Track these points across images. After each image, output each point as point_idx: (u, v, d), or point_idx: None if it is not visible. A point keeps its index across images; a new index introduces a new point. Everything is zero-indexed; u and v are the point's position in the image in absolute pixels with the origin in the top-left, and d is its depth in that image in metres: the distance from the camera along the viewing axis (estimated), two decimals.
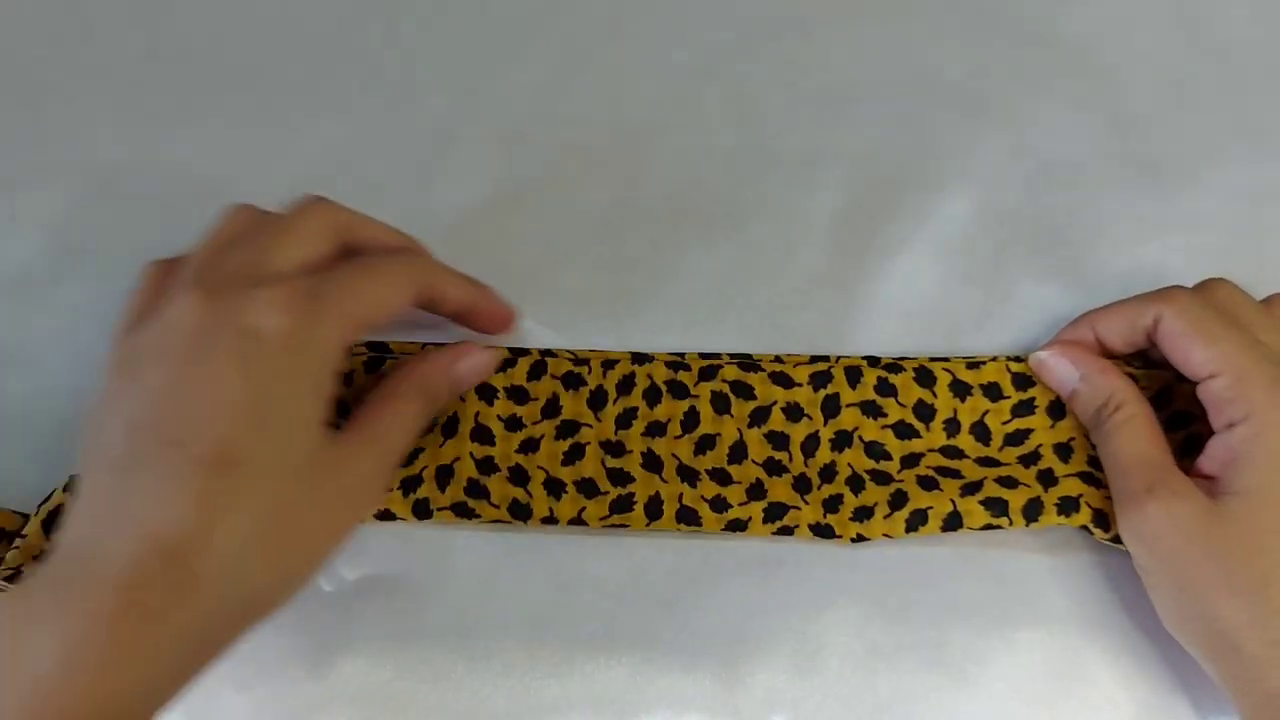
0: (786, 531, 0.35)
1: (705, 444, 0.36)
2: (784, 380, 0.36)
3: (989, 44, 0.44)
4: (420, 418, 0.33)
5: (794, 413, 0.36)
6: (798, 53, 0.44)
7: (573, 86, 0.43)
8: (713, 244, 0.40)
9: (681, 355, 0.37)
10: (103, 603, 0.25)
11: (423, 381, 0.33)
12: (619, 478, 0.35)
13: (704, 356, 0.37)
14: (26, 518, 0.33)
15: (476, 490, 0.34)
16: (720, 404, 0.36)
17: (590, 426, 0.36)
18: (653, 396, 0.36)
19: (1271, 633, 0.29)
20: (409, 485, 0.34)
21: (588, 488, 0.35)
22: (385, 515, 0.34)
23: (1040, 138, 0.42)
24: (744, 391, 0.36)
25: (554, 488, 0.35)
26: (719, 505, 0.35)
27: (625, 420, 0.36)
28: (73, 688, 0.24)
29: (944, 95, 0.43)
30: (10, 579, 0.32)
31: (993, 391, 0.36)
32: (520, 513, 0.34)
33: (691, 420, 0.36)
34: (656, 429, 0.36)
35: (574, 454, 0.35)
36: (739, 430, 0.36)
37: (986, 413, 0.36)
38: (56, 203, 0.41)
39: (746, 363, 0.37)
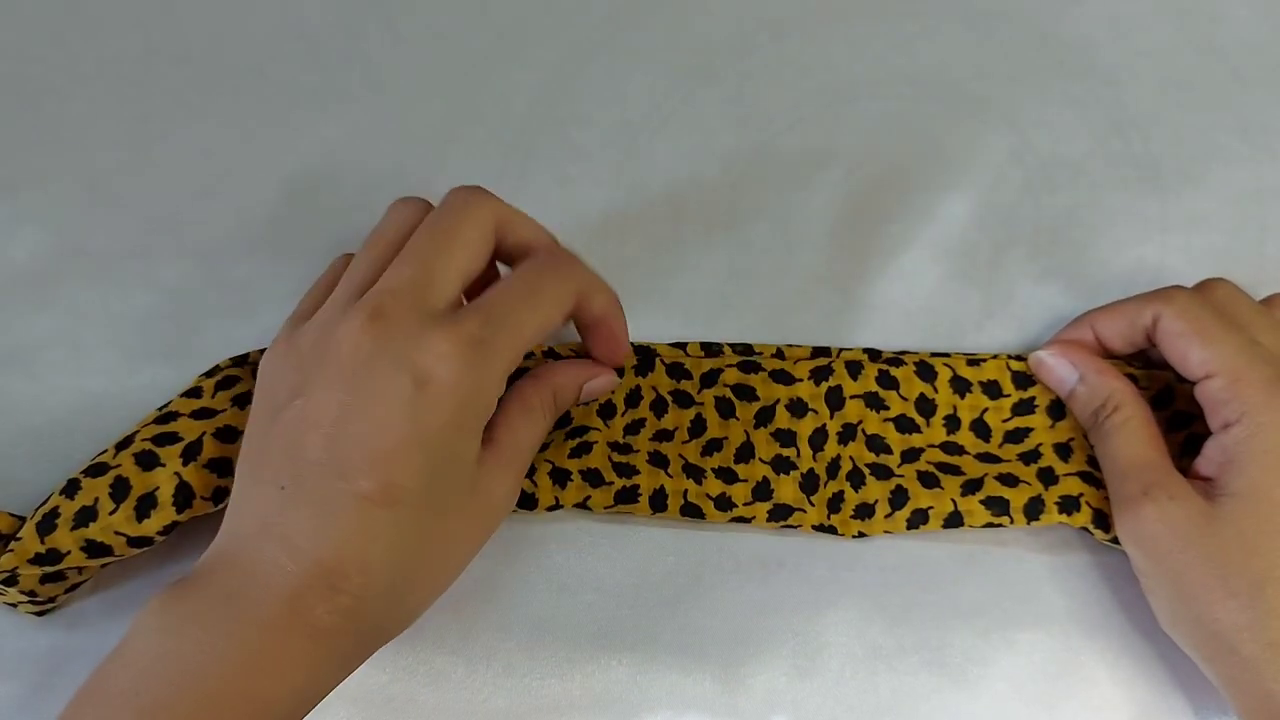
0: (790, 528, 0.35)
1: (713, 446, 0.36)
2: (785, 378, 0.36)
3: (989, 44, 0.44)
4: (549, 429, 0.33)
5: (798, 408, 0.36)
6: (798, 53, 0.44)
7: (573, 86, 0.43)
8: (713, 244, 0.40)
9: (684, 346, 0.37)
10: (278, 617, 0.27)
11: (557, 394, 0.34)
12: (625, 470, 0.35)
13: (704, 347, 0.37)
14: (23, 520, 0.33)
15: None
16: (725, 408, 0.36)
17: (599, 430, 0.36)
18: (659, 407, 0.36)
19: (1269, 634, 0.29)
20: None
21: (593, 477, 0.35)
22: None
23: (1040, 138, 0.42)
24: (746, 394, 0.36)
25: (559, 476, 0.34)
26: (724, 504, 0.35)
27: (634, 428, 0.36)
28: (240, 690, 0.26)
29: (944, 95, 0.43)
30: (6, 582, 0.32)
31: (993, 389, 0.36)
32: (525, 502, 0.34)
33: (699, 427, 0.36)
34: (664, 435, 0.36)
35: (581, 450, 0.35)
36: (745, 432, 0.36)
37: (986, 410, 0.36)
38: (57, 203, 0.41)
39: (748, 362, 0.37)
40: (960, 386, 0.36)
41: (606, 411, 0.36)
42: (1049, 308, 0.39)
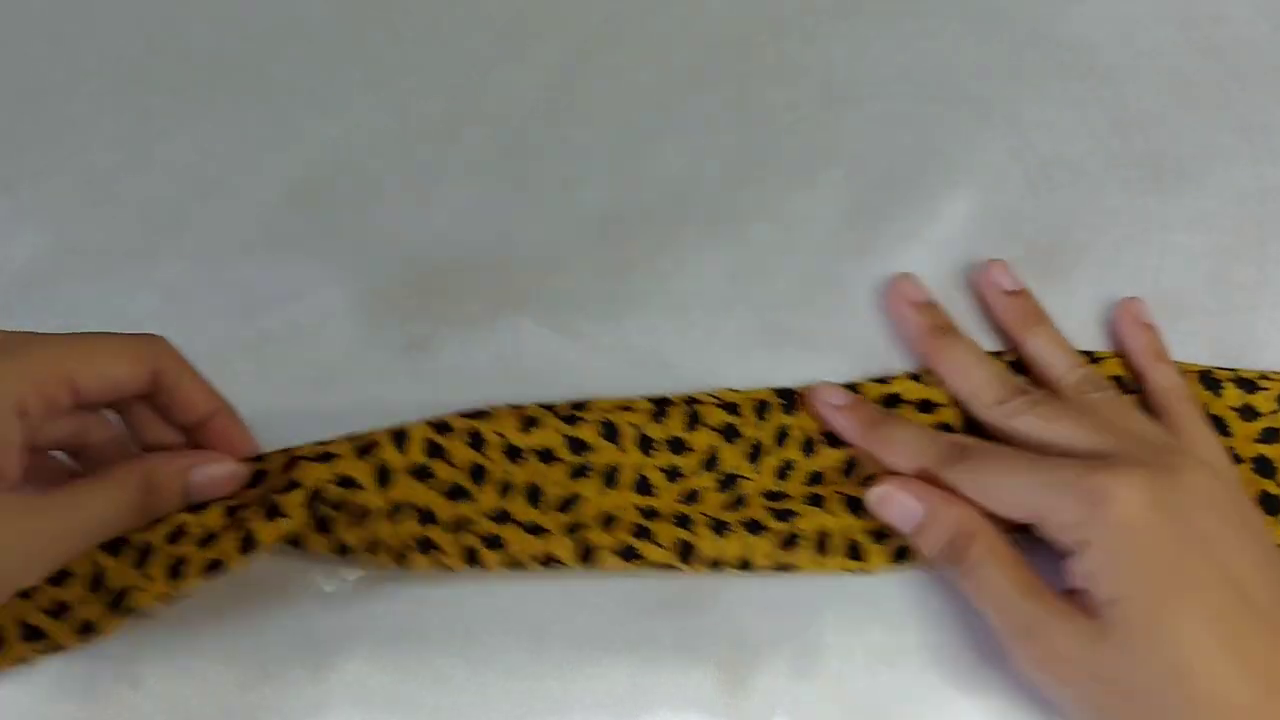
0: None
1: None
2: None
3: (989, 44, 0.44)
4: (132, 510, 0.30)
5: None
6: (798, 53, 0.44)
7: (573, 86, 0.43)
8: (713, 244, 0.40)
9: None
10: None
11: (148, 475, 0.31)
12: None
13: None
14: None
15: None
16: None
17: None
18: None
19: None
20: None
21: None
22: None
23: (1041, 138, 0.42)
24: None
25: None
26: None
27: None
28: None
29: (945, 95, 0.43)
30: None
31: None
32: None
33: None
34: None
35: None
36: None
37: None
38: (56, 202, 0.41)
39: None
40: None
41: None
42: (1048, 308, 0.39)
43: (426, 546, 0.33)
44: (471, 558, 0.33)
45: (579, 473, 0.35)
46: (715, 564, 0.34)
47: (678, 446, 0.35)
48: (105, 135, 0.42)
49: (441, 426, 0.34)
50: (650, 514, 0.34)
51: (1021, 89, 0.43)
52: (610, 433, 0.35)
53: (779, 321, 0.39)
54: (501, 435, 0.34)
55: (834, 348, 0.38)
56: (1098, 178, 0.41)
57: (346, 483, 0.33)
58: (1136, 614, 0.29)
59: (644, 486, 0.35)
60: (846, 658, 0.34)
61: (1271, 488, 0.35)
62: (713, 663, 0.34)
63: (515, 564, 0.33)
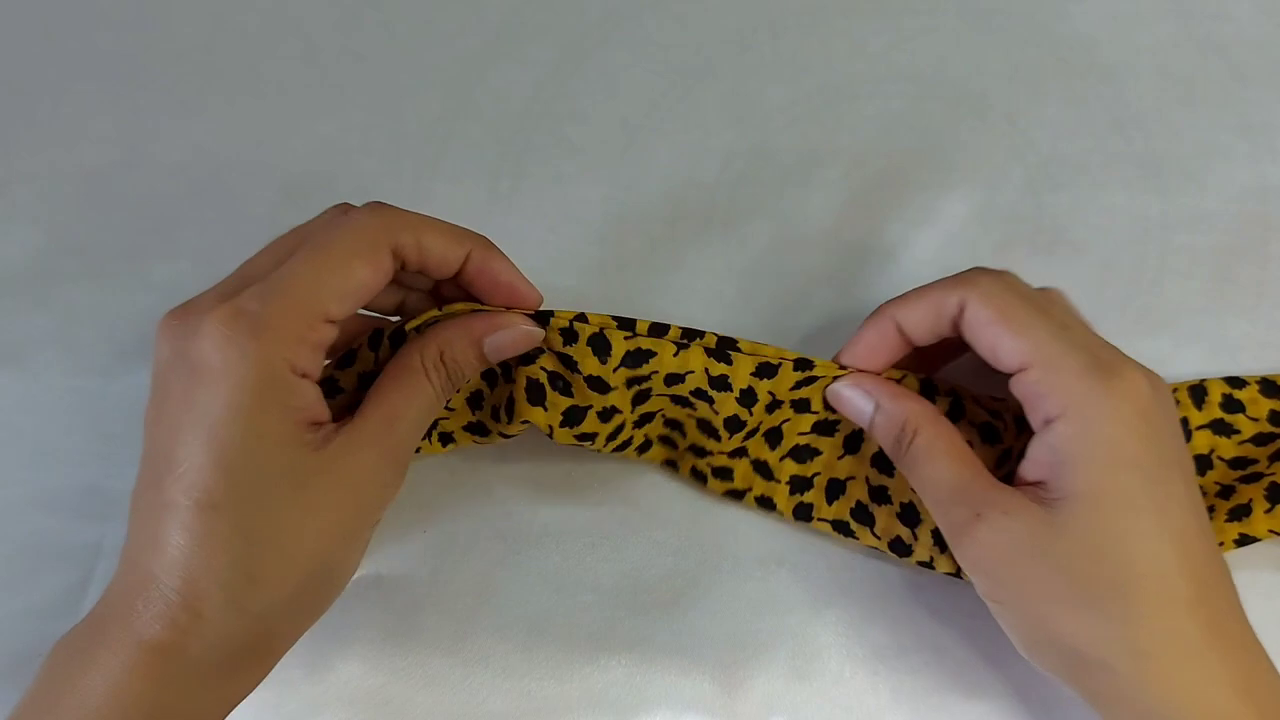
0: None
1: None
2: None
3: (989, 42, 0.43)
4: (439, 395, 0.30)
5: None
6: (796, 51, 0.43)
7: (569, 84, 0.43)
8: (712, 244, 0.40)
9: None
10: (116, 631, 0.26)
11: (446, 352, 0.30)
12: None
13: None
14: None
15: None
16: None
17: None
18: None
19: (1137, 643, 0.27)
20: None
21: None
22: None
23: (1041, 137, 0.42)
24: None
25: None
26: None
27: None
28: (83, 708, 0.25)
29: (944, 94, 0.43)
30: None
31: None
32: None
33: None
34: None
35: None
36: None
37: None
38: (51, 201, 0.41)
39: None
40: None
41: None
42: None
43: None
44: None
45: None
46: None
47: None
48: (101, 135, 0.42)
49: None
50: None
51: (1021, 88, 0.43)
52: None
53: (778, 320, 0.39)
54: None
55: (834, 347, 0.38)
56: (1098, 178, 0.41)
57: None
58: (1107, 511, 0.28)
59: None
60: (845, 658, 0.34)
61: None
62: (710, 663, 0.34)
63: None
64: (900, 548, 0.34)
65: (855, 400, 0.32)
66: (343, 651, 0.34)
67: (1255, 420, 0.36)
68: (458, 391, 0.33)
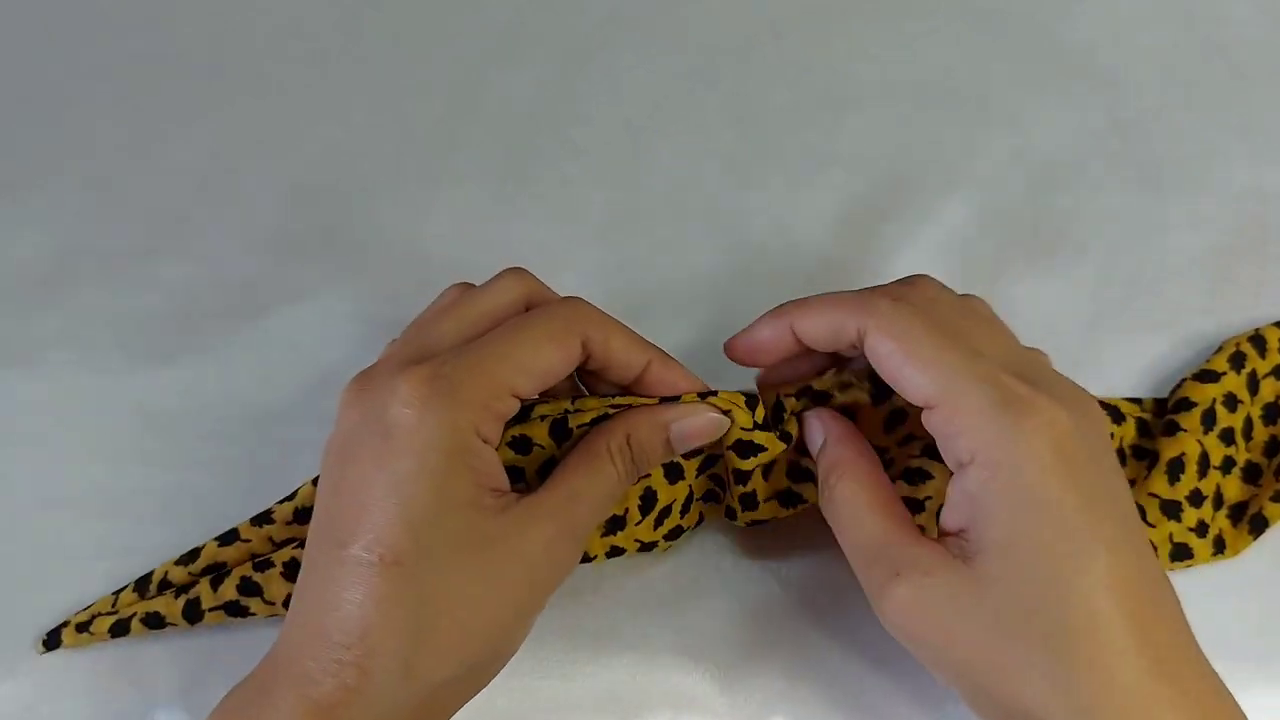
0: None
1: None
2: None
3: (989, 45, 0.44)
4: (623, 480, 0.30)
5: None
6: (798, 53, 0.44)
7: (573, 87, 0.43)
8: (712, 244, 0.40)
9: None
10: (286, 692, 0.26)
11: (633, 436, 0.30)
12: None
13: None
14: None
15: None
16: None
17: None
18: None
19: (1077, 700, 0.25)
20: None
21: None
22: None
23: (1040, 138, 0.42)
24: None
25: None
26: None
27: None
28: None
29: (944, 96, 0.43)
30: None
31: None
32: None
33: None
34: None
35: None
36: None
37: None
38: (59, 203, 0.41)
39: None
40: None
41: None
42: (1049, 308, 0.39)
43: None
44: None
45: None
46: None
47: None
48: (108, 138, 0.42)
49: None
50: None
51: (1021, 89, 0.43)
52: None
53: None
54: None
55: None
56: (1098, 178, 0.41)
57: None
58: (1030, 562, 0.26)
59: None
60: (845, 658, 0.34)
61: None
62: (712, 662, 0.34)
63: None
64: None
65: (811, 431, 0.32)
66: None
67: None
68: (640, 480, 0.32)
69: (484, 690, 0.34)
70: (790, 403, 0.32)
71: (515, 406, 0.29)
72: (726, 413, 0.31)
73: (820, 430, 0.31)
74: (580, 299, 0.31)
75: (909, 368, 0.28)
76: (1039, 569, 0.26)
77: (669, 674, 0.34)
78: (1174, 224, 0.41)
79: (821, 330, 0.30)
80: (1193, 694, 0.26)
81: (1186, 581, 0.35)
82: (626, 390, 0.31)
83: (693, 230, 0.41)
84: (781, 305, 0.31)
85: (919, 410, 0.28)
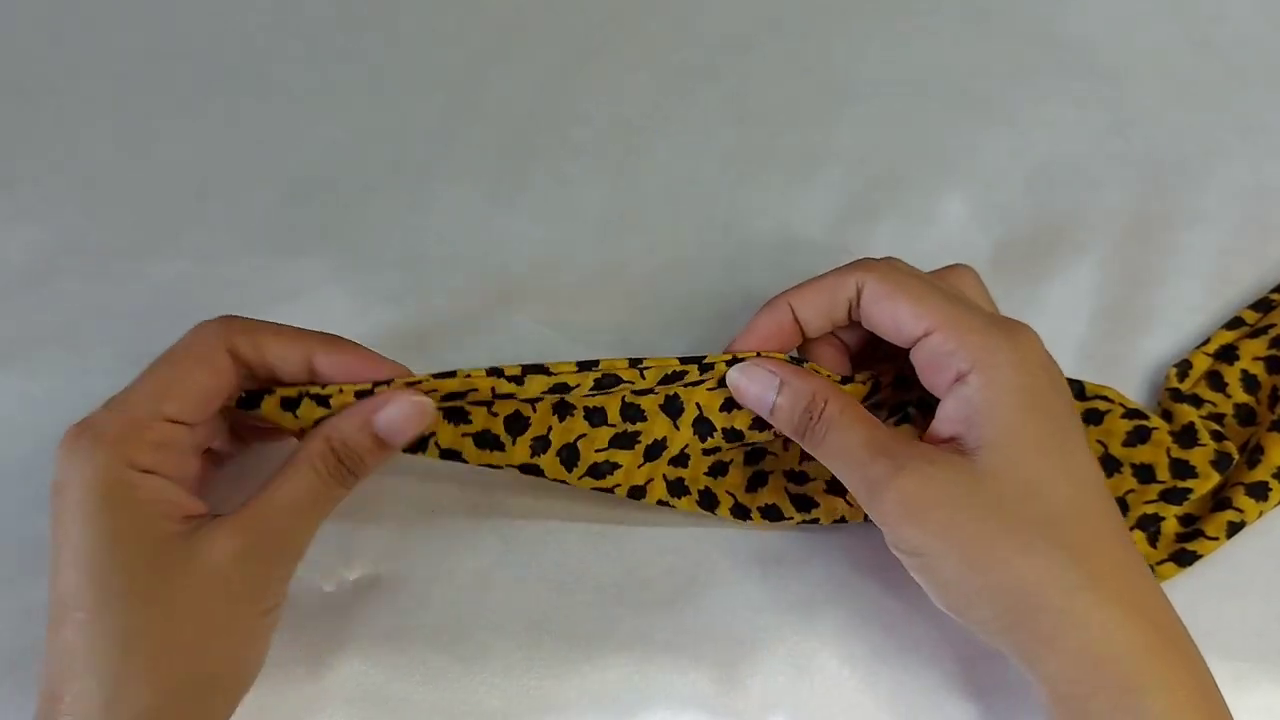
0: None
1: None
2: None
3: (989, 43, 0.44)
4: (329, 483, 0.30)
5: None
6: (797, 51, 0.44)
7: (573, 86, 0.43)
8: (712, 244, 0.40)
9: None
10: None
11: (332, 439, 0.30)
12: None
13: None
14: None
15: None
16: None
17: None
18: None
19: (1071, 578, 0.28)
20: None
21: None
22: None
23: (1041, 138, 0.42)
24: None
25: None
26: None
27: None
28: None
29: (944, 95, 0.43)
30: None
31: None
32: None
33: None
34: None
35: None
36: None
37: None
38: (54, 201, 0.41)
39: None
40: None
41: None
42: (1049, 308, 0.39)
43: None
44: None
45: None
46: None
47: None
48: (104, 135, 0.42)
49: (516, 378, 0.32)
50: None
51: (1021, 89, 0.43)
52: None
53: None
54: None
55: None
56: (1097, 178, 0.41)
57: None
58: (1028, 453, 0.29)
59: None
60: (844, 657, 0.34)
61: None
62: (710, 661, 0.34)
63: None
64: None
65: (757, 384, 0.32)
66: (342, 650, 0.34)
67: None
68: (362, 478, 0.31)
69: (480, 689, 0.34)
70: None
71: (175, 431, 0.29)
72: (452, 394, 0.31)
73: (770, 373, 0.31)
74: (230, 316, 0.31)
75: (906, 303, 0.30)
76: (1034, 459, 0.29)
77: (668, 672, 0.34)
78: (1174, 224, 0.41)
79: (820, 300, 0.32)
80: (1153, 583, 0.29)
81: (1187, 582, 0.35)
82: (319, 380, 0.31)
83: (692, 229, 0.40)
84: (775, 296, 0.33)
85: (892, 368, 0.32)
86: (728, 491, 0.35)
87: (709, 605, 0.35)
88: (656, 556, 0.36)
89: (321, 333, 0.31)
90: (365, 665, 0.34)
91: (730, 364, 0.32)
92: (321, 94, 0.43)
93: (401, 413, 0.30)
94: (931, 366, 0.30)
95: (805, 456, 0.34)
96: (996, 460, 0.29)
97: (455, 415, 0.32)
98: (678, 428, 0.34)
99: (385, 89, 0.43)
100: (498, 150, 0.42)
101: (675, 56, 0.43)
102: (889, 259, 0.32)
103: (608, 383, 0.32)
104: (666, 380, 0.32)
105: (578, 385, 0.32)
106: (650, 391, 0.33)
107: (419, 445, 0.32)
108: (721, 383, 0.33)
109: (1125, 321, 0.39)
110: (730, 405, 0.33)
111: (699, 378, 0.32)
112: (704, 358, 0.32)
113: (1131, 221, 0.41)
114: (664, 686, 0.34)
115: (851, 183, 0.41)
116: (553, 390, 0.32)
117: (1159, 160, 0.42)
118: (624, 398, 0.33)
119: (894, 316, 0.31)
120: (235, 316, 0.31)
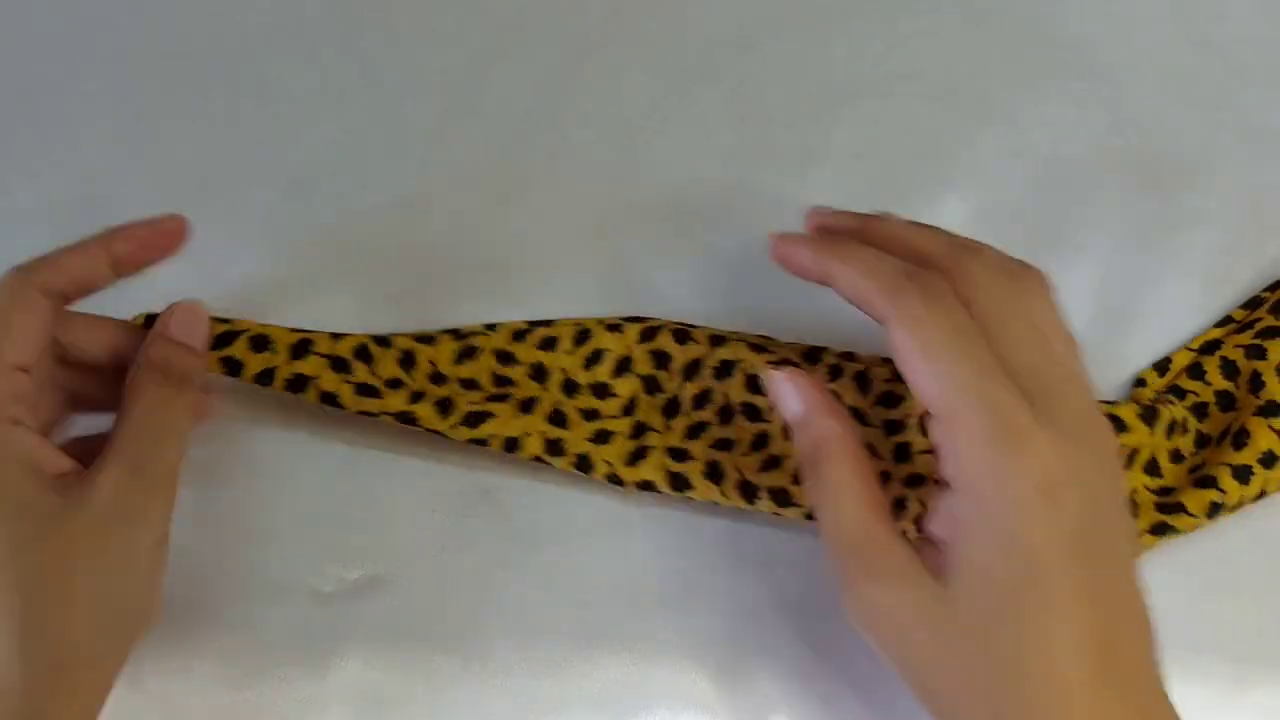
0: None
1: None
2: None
3: (989, 43, 0.44)
4: (169, 395, 0.31)
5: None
6: (797, 51, 0.44)
7: (572, 86, 0.43)
8: (712, 243, 0.40)
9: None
10: None
11: (151, 362, 0.31)
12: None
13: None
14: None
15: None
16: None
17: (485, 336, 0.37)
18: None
19: None
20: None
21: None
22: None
23: (1040, 138, 0.42)
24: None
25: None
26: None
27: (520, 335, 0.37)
28: None
29: (944, 94, 0.43)
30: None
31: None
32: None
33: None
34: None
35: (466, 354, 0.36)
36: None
37: None
38: (51, 202, 0.41)
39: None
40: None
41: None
42: None
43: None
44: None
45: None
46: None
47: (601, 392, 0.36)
48: (102, 135, 0.42)
49: (382, 340, 0.36)
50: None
51: (1021, 89, 0.43)
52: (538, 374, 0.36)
53: (779, 320, 0.39)
54: (434, 364, 0.36)
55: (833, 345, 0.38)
56: (1097, 178, 0.41)
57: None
58: (1000, 602, 0.26)
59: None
60: (845, 658, 0.34)
61: None
62: (710, 662, 0.34)
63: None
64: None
65: (785, 398, 0.31)
66: (341, 650, 0.34)
67: None
68: (193, 383, 0.33)
69: (480, 689, 0.34)
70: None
71: (24, 380, 0.29)
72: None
73: (798, 399, 0.30)
74: (21, 263, 0.31)
75: (919, 370, 0.27)
76: (1008, 612, 0.25)
77: (668, 673, 0.34)
78: (1174, 224, 0.41)
79: (850, 295, 0.30)
80: None
81: (1186, 581, 0.35)
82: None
83: (691, 229, 0.40)
84: (829, 244, 0.31)
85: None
86: (605, 460, 0.35)
87: (709, 605, 0.35)
88: (657, 557, 0.36)
89: (97, 234, 0.33)
90: (366, 666, 0.34)
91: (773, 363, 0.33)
92: (320, 94, 0.43)
93: (182, 316, 0.33)
94: (934, 448, 0.28)
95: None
96: (967, 596, 0.26)
97: (339, 365, 0.35)
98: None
99: (384, 89, 0.43)
100: (496, 150, 0.42)
101: (674, 55, 0.43)
102: (938, 294, 0.28)
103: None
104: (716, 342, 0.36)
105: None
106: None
107: (298, 386, 0.34)
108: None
109: (1125, 322, 0.39)
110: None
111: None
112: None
113: (1131, 221, 0.41)
114: (664, 687, 0.34)
115: (851, 182, 0.41)
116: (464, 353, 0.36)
117: (1159, 160, 0.42)
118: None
119: (905, 373, 0.28)
120: (28, 261, 0.31)
